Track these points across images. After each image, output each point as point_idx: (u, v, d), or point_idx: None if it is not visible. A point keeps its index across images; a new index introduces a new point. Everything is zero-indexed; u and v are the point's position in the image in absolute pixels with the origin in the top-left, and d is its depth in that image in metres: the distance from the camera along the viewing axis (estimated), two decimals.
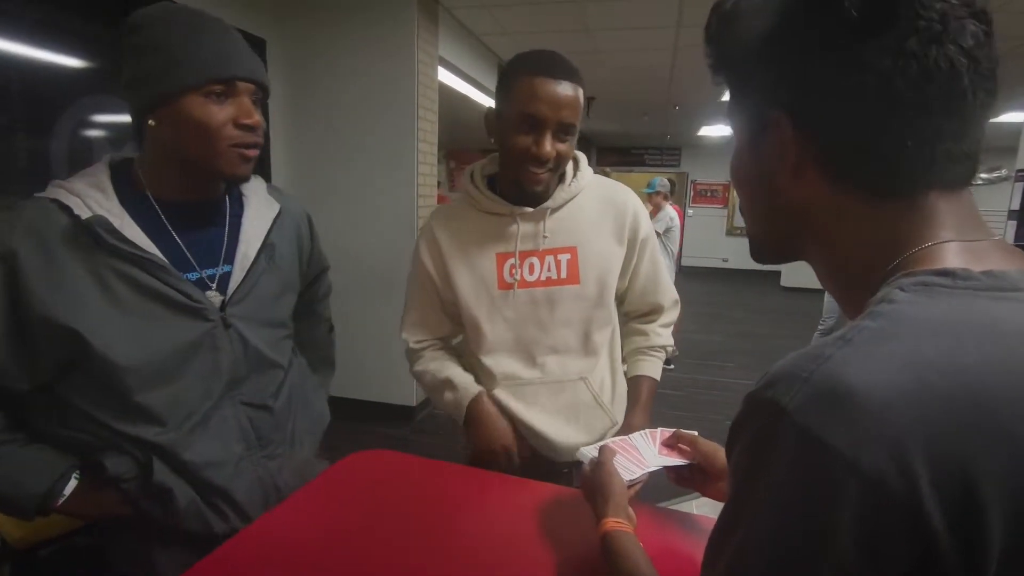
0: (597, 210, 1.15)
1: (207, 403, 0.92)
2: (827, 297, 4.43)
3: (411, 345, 1.23)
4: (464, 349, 1.25)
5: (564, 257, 1.11)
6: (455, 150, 10.03)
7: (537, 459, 1.17)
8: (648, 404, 1.22)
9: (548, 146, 1.00)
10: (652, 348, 1.24)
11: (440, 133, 3.58)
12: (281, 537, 0.89)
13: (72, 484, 0.87)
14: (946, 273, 0.40)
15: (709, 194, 11.29)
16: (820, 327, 4.51)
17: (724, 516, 0.42)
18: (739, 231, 11.11)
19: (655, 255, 1.22)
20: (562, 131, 1.02)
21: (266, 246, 1.01)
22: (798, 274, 8.80)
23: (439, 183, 4.09)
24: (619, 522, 0.73)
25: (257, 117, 0.89)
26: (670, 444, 0.89)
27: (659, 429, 0.93)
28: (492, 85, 5.14)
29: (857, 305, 0.44)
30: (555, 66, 1.00)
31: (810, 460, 0.35)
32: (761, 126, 0.48)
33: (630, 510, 0.77)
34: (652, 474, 0.86)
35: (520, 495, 1.00)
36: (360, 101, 3.25)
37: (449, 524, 0.92)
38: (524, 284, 1.10)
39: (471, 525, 0.93)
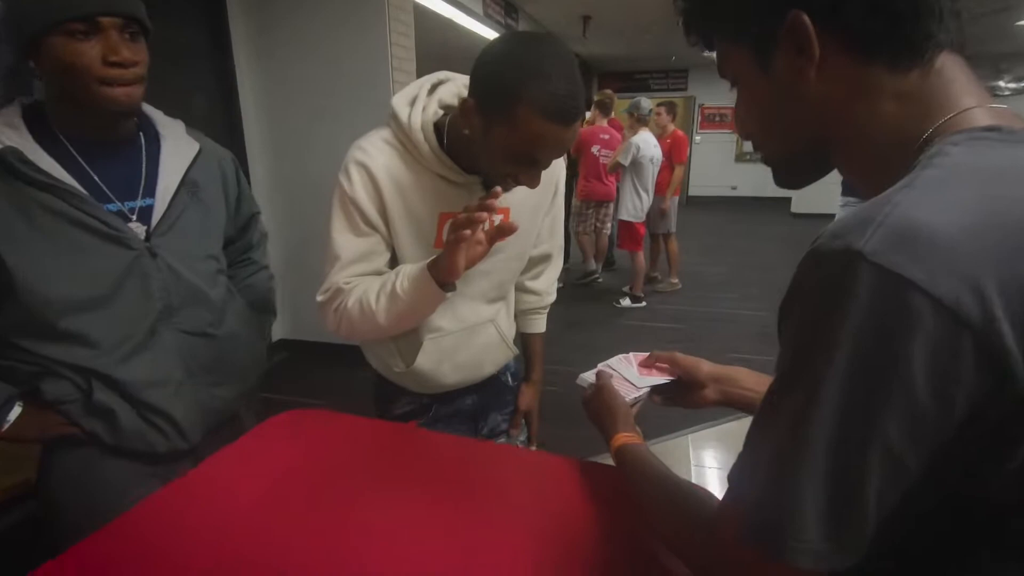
0: None
1: (142, 327, 0.98)
2: (837, 219, 4.26)
3: (340, 285, 0.99)
4: None
5: (497, 218, 1.03)
6: None
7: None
8: (543, 357, 1.37)
9: (536, 181, 0.92)
10: (544, 307, 1.33)
11: (423, 64, 3.35)
12: (199, 499, 0.83)
13: (16, 411, 0.93)
14: (992, 128, 0.43)
15: (718, 119, 10.80)
16: None
17: (780, 385, 0.44)
18: (748, 157, 10.70)
19: (561, 203, 1.23)
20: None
21: (188, 182, 1.05)
22: (808, 200, 8.52)
23: None
24: (629, 435, 0.76)
25: (126, 53, 0.88)
26: (647, 365, 0.90)
27: (631, 354, 0.93)
28: (479, 8, 4.81)
29: (889, 185, 0.43)
30: (572, 111, 0.83)
31: (888, 295, 0.37)
32: (773, 40, 0.49)
33: (637, 427, 0.79)
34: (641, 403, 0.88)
35: (465, 456, 0.93)
36: (327, 29, 3.04)
37: (381, 487, 0.84)
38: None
39: (406, 487, 0.85)
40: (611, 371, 0.91)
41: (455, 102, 0.98)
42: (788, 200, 9.20)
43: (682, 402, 0.89)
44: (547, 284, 1.31)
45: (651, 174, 4.56)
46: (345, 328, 1.01)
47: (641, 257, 4.83)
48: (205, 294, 1.07)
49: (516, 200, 1.04)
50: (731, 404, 0.84)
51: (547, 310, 1.35)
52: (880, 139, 0.48)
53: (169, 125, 1.07)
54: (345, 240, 1.00)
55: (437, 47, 4.93)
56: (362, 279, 1.00)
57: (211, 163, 1.13)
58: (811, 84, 0.49)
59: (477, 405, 1.26)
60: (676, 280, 5.24)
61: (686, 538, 0.56)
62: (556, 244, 1.28)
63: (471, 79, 0.89)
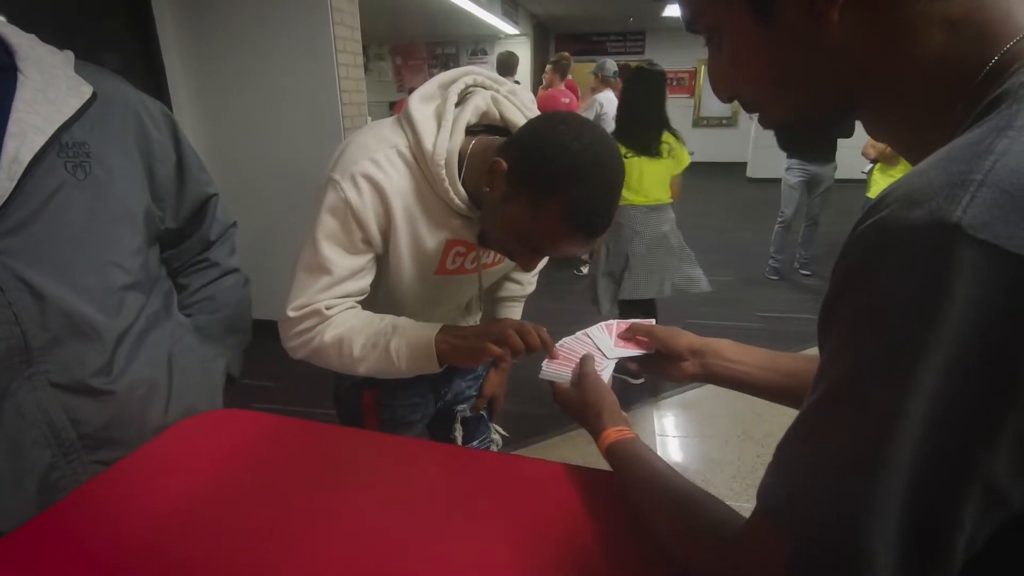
0: None
1: None
2: (783, 186, 4.31)
3: (321, 307, 0.87)
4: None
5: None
6: (402, 44, 9.19)
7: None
8: None
9: (532, 267, 0.87)
10: (523, 297, 1.27)
11: (381, 24, 3.12)
12: (95, 516, 0.69)
13: None
14: None
15: (675, 82, 10.72)
16: (780, 219, 4.40)
17: (837, 394, 0.34)
18: (706, 121, 10.71)
19: None
20: None
21: (64, 144, 0.72)
22: (764, 164, 8.61)
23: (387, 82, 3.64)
24: (620, 430, 0.68)
25: None
26: (626, 337, 0.85)
27: (614, 322, 0.88)
28: None
29: (937, 138, 0.35)
30: (601, 227, 0.78)
31: (1004, 286, 0.28)
32: None
33: (623, 414, 0.72)
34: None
35: (406, 457, 0.81)
36: None
37: (314, 494, 0.73)
38: (463, 271, 0.96)
39: (333, 496, 0.73)
40: (583, 340, 0.85)
41: (479, 119, 0.89)
42: (744, 165, 9.27)
43: (660, 373, 0.83)
44: (532, 275, 1.24)
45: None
46: (310, 357, 0.90)
47: None
48: (91, 325, 0.75)
49: None
50: (713, 378, 0.77)
51: (524, 300, 1.28)
52: (928, 81, 0.38)
53: (38, 54, 0.73)
54: (338, 256, 0.85)
55: (391, 11, 4.64)
56: (344, 309, 0.88)
57: (118, 116, 0.80)
58: (833, 28, 0.39)
59: (440, 374, 1.14)
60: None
61: (699, 553, 0.47)
62: None
63: (511, 143, 0.80)
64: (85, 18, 2.41)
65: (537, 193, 0.75)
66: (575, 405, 0.75)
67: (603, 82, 4.54)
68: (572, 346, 0.85)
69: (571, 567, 0.60)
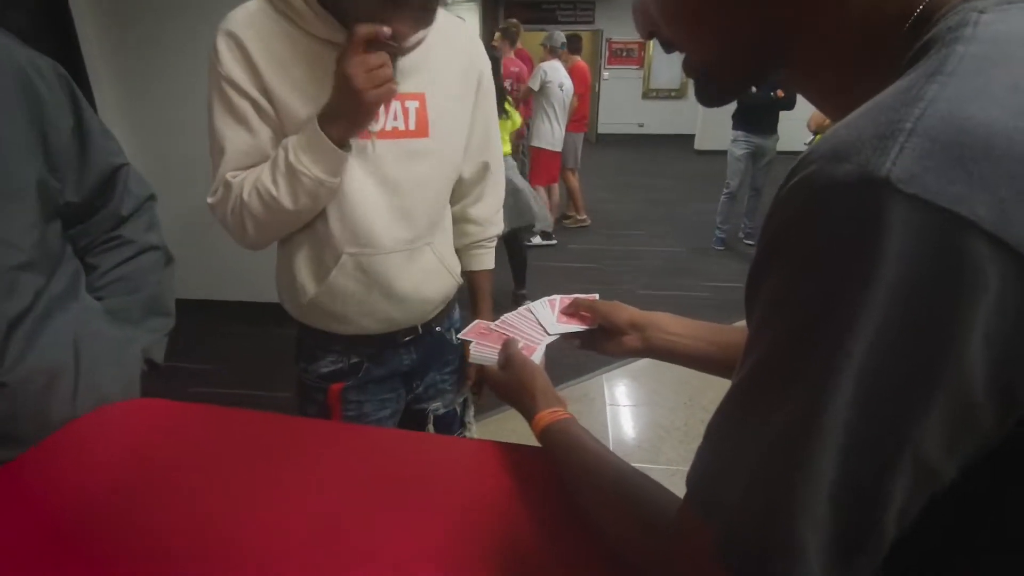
0: (443, 49, 0.94)
1: None
2: (729, 157, 4.40)
3: (227, 179, 0.88)
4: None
5: (412, 104, 0.92)
6: None
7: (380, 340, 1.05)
8: (492, 297, 1.20)
9: (408, 27, 0.81)
10: (489, 239, 1.18)
11: None
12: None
13: None
14: None
15: (625, 53, 10.70)
16: (725, 190, 4.49)
17: (763, 369, 0.32)
18: (655, 93, 10.76)
19: (491, 104, 1.07)
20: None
21: None
22: (712, 136, 8.76)
23: None
24: (554, 411, 0.65)
25: None
26: (569, 312, 0.84)
27: (557, 297, 0.86)
28: None
29: (866, 94, 0.31)
30: None
31: (934, 243, 0.25)
32: None
33: (559, 393, 0.69)
34: (550, 345, 0.81)
35: (355, 446, 0.77)
36: None
37: (233, 490, 0.68)
38: (365, 134, 0.89)
39: (281, 487, 0.69)
40: (524, 315, 0.84)
41: None
42: (692, 137, 9.41)
43: (601, 349, 0.81)
44: (489, 211, 1.14)
45: (561, 101, 4.44)
46: (252, 227, 0.89)
47: (556, 191, 4.81)
48: None
49: (430, 82, 0.93)
50: (654, 352, 0.76)
51: (494, 243, 1.19)
52: (854, 31, 0.36)
53: None
54: (227, 128, 0.87)
55: None
56: (250, 169, 0.89)
57: (1, 74, 0.72)
58: None
59: (415, 364, 1.10)
60: (584, 216, 5.25)
61: (634, 542, 0.46)
62: (494, 155, 1.10)
63: None
64: None
65: None
66: (505, 389, 0.73)
67: (551, 52, 4.53)
68: (514, 322, 0.83)
69: (512, 552, 0.58)
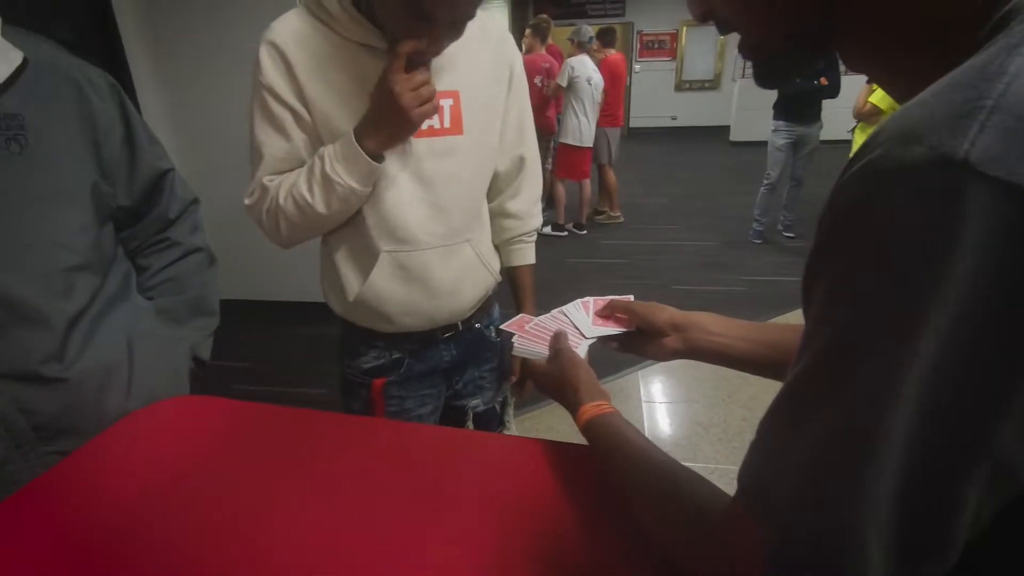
0: (475, 45, 0.94)
1: None
2: (770, 148, 4.27)
3: (264, 182, 0.92)
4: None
5: (446, 103, 0.93)
6: None
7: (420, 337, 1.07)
8: (535, 292, 1.19)
9: (438, 44, 0.83)
10: (528, 234, 1.16)
11: None
12: (49, 509, 0.65)
13: None
14: None
15: (657, 45, 10.53)
16: (766, 181, 4.37)
17: (823, 363, 0.31)
18: (688, 85, 10.56)
19: (524, 97, 1.07)
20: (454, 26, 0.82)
21: None
22: (747, 127, 8.55)
23: None
24: (598, 405, 0.64)
25: None
26: (604, 315, 0.82)
27: (591, 299, 0.85)
28: None
29: (933, 68, 0.29)
30: None
31: (1021, 229, 0.23)
32: None
33: (602, 386, 0.68)
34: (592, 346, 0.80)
35: (397, 443, 0.78)
36: None
37: (281, 485, 0.69)
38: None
39: (334, 486, 0.70)
40: (558, 318, 0.83)
41: None
42: (727, 128, 9.20)
43: (640, 352, 0.78)
44: (528, 204, 1.13)
45: (590, 96, 4.40)
46: (285, 228, 0.93)
47: (587, 187, 4.82)
48: (35, 309, 0.72)
49: (464, 80, 0.94)
50: (696, 353, 0.74)
51: (534, 237, 1.17)
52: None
53: None
54: (266, 135, 0.90)
55: None
56: (286, 174, 0.92)
57: (55, 85, 0.75)
58: None
59: (455, 360, 1.11)
60: (617, 213, 5.20)
61: (679, 536, 0.45)
62: (529, 148, 1.10)
63: None
64: None
65: None
66: (551, 382, 0.72)
67: (579, 47, 4.46)
68: (548, 324, 0.82)
69: (553, 551, 0.58)
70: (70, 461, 0.72)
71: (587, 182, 4.80)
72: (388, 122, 0.83)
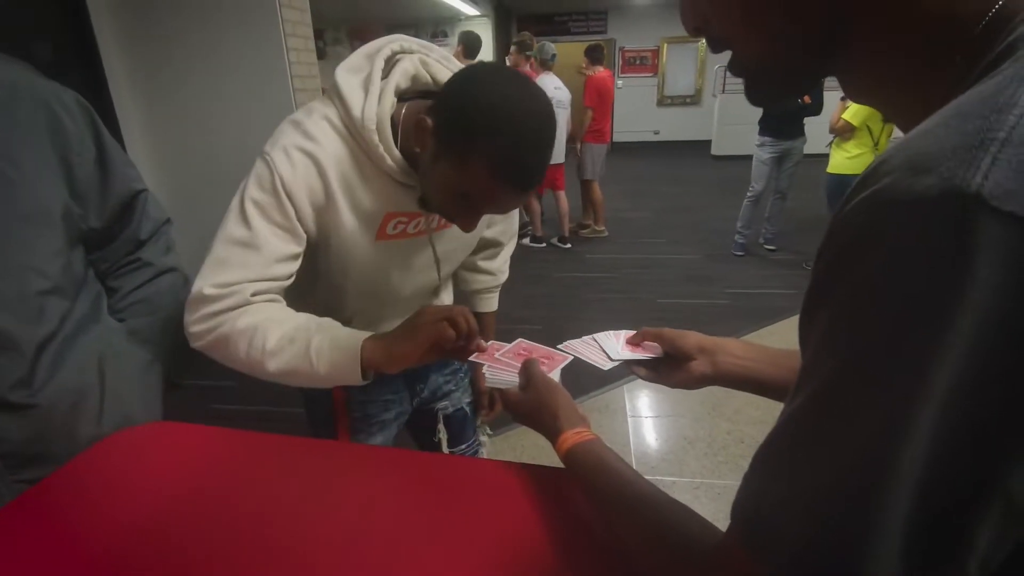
0: None
1: None
2: (755, 161, 4.33)
3: (248, 296, 0.77)
4: (293, 293, 0.89)
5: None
6: (359, 27, 8.94)
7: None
8: (494, 335, 1.24)
9: (470, 226, 0.81)
10: (498, 287, 1.25)
11: (338, 6, 2.99)
12: (15, 539, 0.62)
13: None
14: None
15: (639, 62, 10.70)
16: (749, 193, 4.43)
17: (825, 394, 0.30)
18: (669, 100, 10.73)
19: None
20: None
21: None
22: (728, 142, 8.69)
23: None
24: (578, 432, 0.63)
25: None
26: (635, 343, 0.82)
27: (623, 331, 0.85)
28: None
29: (933, 96, 0.30)
30: (529, 180, 0.73)
31: None
32: None
33: (581, 411, 0.67)
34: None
35: (370, 467, 0.77)
36: None
37: (257, 514, 0.67)
38: (405, 235, 0.91)
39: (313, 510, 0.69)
40: (588, 342, 0.84)
41: (411, 83, 0.85)
42: (709, 143, 9.34)
43: (668, 380, 0.77)
44: (501, 264, 1.21)
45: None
46: (212, 346, 0.77)
47: (563, 200, 4.85)
48: (5, 335, 0.70)
49: None
50: (725, 379, 0.73)
51: (499, 288, 1.25)
52: (927, 25, 0.32)
53: None
54: (269, 233, 0.77)
55: None
56: (266, 300, 0.79)
57: (26, 107, 0.74)
58: None
59: (414, 369, 1.07)
60: (602, 227, 5.23)
61: (665, 570, 0.43)
62: (511, 224, 1.19)
63: (438, 99, 0.75)
64: (7, 2, 2.24)
65: (461, 148, 0.71)
66: (526, 409, 0.70)
67: (542, 64, 4.46)
68: (577, 347, 0.82)
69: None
70: (39, 489, 0.70)
71: (562, 194, 4.83)
72: (403, 349, 0.76)
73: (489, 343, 0.85)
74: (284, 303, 0.83)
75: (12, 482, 0.73)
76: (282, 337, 0.76)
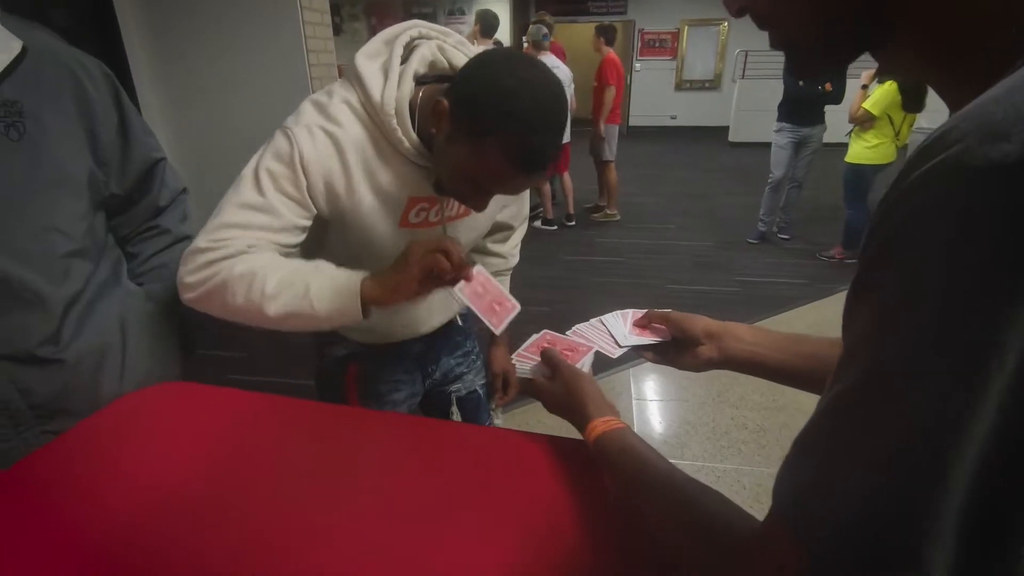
0: None
1: None
2: (773, 147, 4.28)
3: (244, 246, 0.77)
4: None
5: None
6: (377, 3, 8.86)
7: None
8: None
9: (481, 207, 0.83)
10: (508, 270, 1.25)
11: None
12: (38, 487, 0.67)
13: None
14: None
15: (658, 44, 10.52)
16: (769, 180, 4.38)
17: (863, 391, 0.29)
18: (688, 85, 10.57)
19: None
20: None
21: None
22: (746, 128, 8.57)
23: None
24: (607, 420, 0.63)
25: None
26: (642, 324, 0.83)
27: (629, 311, 0.86)
28: None
29: (996, 68, 0.28)
30: (541, 165, 0.75)
31: None
32: None
33: (609, 399, 0.68)
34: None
35: (383, 435, 0.79)
36: None
37: (271, 472, 0.70)
38: (428, 224, 0.94)
39: (325, 475, 0.71)
40: (596, 326, 0.85)
41: (428, 69, 0.86)
42: (726, 129, 9.22)
43: (677, 363, 0.78)
44: (512, 247, 1.23)
45: None
46: (208, 294, 0.76)
47: (567, 181, 4.85)
48: (34, 293, 0.73)
49: None
50: (732, 363, 0.73)
51: (511, 271, 1.26)
52: None
53: None
54: (280, 203, 0.78)
55: None
56: (262, 250, 0.78)
57: (53, 73, 0.76)
58: None
59: (425, 348, 1.14)
60: (614, 211, 5.21)
61: (698, 557, 0.43)
62: (523, 208, 1.20)
63: (454, 83, 0.77)
64: None
65: (475, 132, 0.73)
66: (555, 398, 0.70)
67: (535, 46, 4.38)
68: (586, 332, 0.84)
69: (567, 553, 0.59)
70: (62, 440, 0.74)
71: (566, 176, 4.83)
72: (395, 276, 0.76)
73: (476, 270, 0.81)
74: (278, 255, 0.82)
75: (40, 432, 0.77)
76: (280, 281, 0.75)
